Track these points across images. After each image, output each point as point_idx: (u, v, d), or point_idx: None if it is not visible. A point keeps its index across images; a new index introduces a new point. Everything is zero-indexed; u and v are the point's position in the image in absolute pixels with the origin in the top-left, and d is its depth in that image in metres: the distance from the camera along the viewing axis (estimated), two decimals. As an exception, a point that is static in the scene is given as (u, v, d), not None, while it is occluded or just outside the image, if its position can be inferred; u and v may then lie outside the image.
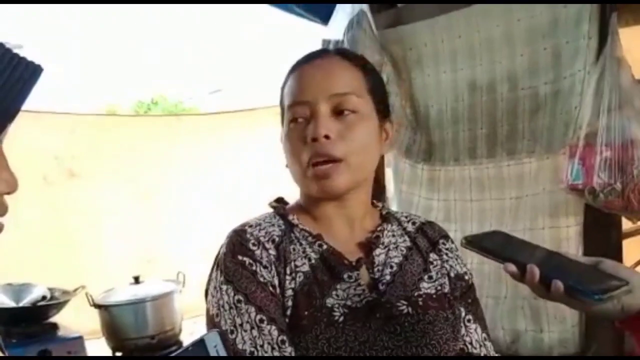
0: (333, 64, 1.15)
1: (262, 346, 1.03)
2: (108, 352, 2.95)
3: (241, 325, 1.04)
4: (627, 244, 2.13)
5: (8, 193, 0.74)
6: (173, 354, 0.70)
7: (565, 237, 2.05)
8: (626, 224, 2.10)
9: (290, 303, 1.07)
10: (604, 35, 1.91)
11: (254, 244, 1.10)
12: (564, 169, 1.97)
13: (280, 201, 1.26)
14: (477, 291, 1.26)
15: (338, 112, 1.11)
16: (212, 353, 0.67)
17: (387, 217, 1.24)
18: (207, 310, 1.11)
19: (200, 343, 0.69)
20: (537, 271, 0.91)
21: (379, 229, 1.20)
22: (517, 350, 2.17)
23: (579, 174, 1.91)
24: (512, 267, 0.93)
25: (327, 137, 1.08)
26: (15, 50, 0.71)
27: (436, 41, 2.34)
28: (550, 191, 2.09)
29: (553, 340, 2.10)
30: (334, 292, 1.09)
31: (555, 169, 2.07)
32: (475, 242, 1.03)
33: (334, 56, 1.17)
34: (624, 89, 1.85)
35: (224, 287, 1.07)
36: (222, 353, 0.66)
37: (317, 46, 2.48)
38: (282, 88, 1.19)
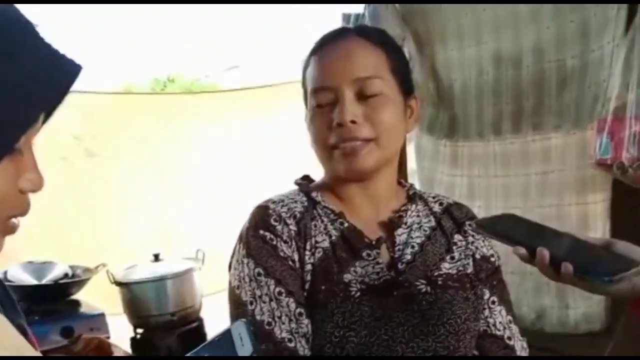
0: (354, 46, 1.14)
1: (279, 317, 1.07)
2: (129, 329, 2.97)
3: (260, 297, 1.08)
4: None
5: (32, 191, 0.74)
6: (201, 346, 0.69)
7: (593, 213, 2.03)
8: (654, 200, 2.06)
9: (308, 277, 1.10)
10: (634, 6, 1.87)
11: (275, 220, 1.12)
12: (592, 143, 1.94)
13: (305, 179, 1.27)
14: (502, 267, 1.25)
15: (362, 95, 1.11)
16: (237, 342, 0.67)
17: (412, 197, 1.24)
18: (229, 282, 1.14)
19: (227, 333, 0.69)
20: (546, 254, 0.91)
21: (403, 209, 1.20)
22: (542, 327, 2.16)
23: (607, 149, 1.88)
24: (522, 251, 0.93)
25: (353, 122, 1.09)
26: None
27: (460, 15, 2.30)
28: (577, 167, 2.06)
29: (578, 317, 2.09)
30: (352, 269, 1.11)
31: (582, 144, 2.04)
32: (486, 226, 1.04)
33: (355, 37, 1.16)
34: (654, 62, 1.81)
35: (245, 260, 1.11)
36: (246, 342, 0.66)
37: (337, 20, 2.44)
38: (304, 70, 1.19)
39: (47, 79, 0.69)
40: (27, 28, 0.70)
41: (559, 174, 2.11)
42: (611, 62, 1.92)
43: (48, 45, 0.71)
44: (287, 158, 3.89)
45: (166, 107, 4.63)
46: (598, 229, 1.98)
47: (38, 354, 0.65)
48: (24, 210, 0.75)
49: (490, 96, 2.28)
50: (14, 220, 0.75)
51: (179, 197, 4.40)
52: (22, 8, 0.72)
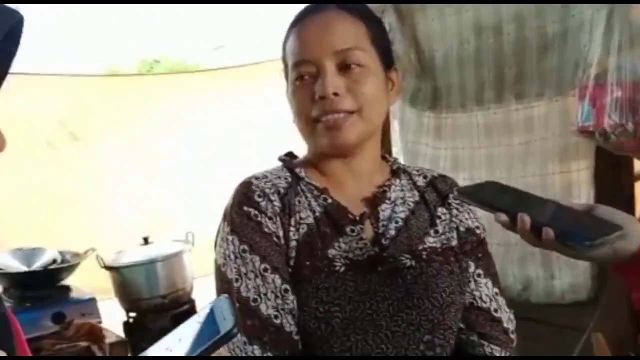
0: (334, 18, 1.13)
1: (265, 294, 1.07)
2: (121, 313, 2.98)
3: (246, 274, 1.08)
4: (639, 186, 2.10)
5: None
6: (183, 323, 0.69)
7: (576, 181, 2.03)
8: (638, 166, 2.06)
9: (293, 254, 1.10)
10: (614, -30, 1.85)
11: (259, 196, 1.12)
12: (574, 111, 1.92)
13: (289, 155, 1.26)
14: (487, 238, 1.25)
15: (344, 67, 1.10)
16: (219, 317, 0.67)
17: (396, 172, 1.23)
18: (215, 261, 1.14)
19: (209, 309, 0.69)
20: (527, 219, 0.91)
21: (386, 183, 1.20)
22: (528, 298, 2.17)
23: (589, 115, 1.87)
24: (503, 217, 0.93)
25: (335, 94, 1.08)
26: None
27: (439, -17, 2.27)
28: (560, 135, 2.05)
29: (564, 286, 2.10)
30: (336, 244, 1.11)
31: (565, 112, 2.04)
32: (467, 193, 1.05)
33: (334, 9, 1.14)
34: (635, 26, 1.80)
35: (230, 237, 1.10)
36: (228, 316, 0.66)
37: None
38: (284, 44, 1.18)
39: None
40: None
41: (542, 142, 2.10)
42: (591, 27, 1.91)
43: None
44: (273, 136, 3.87)
45: (151, 89, 4.60)
46: (582, 197, 1.98)
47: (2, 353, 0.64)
48: None
49: (472, 66, 2.26)
50: None
51: (167, 180, 4.39)
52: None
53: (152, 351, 0.67)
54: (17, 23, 0.73)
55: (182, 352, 0.64)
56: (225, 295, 0.71)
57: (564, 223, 0.92)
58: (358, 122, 1.10)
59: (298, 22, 1.16)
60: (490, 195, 1.01)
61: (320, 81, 1.09)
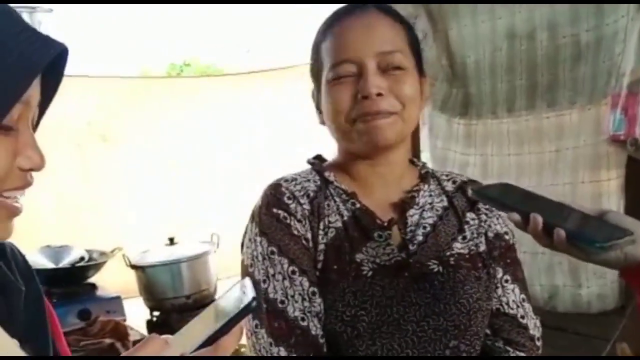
0: (377, 19, 1.13)
1: (292, 296, 1.07)
2: (145, 312, 3.00)
3: (273, 275, 1.08)
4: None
5: (32, 170, 0.76)
6: (214, 301, 0.76)
7: (606, 191, 2.00)
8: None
9: (321, 257, 1.10)
10: (650, -21, 1.83)
11: (289, 198, 1.12)
12: (606, 119, 1.90)
13: (318, 158, 1.26)
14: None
15: (385, 69, 1.10)
16: (240, 293, 0.72)
17: (425, 177, 1.22)
18: (242, 261, 1.14)
19: (233, 287, 0.74)
20: (539, 220, 0.92)
21: (415, 188, 1.19)
22: (555, 306, 2.14)
23: (621, 124, 1.85)
24: (516, 217, 0.95)
25: (379, 94, 1.08)
26: (44, 15, 0.72)
27: (474, -12, 2.26)
28: (591, 143, 2.02)
29: (591, 296, 2.07)
30: (363, 249, 1.10)
31: (596, 120, 2.01)
32: (483, 193, 1.07)
33: (375, 11, 1.15)
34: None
35: (259, 238, 1.10)
36: (249, 291, 0.71)
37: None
38: (318, 44, 1.18)
39: (27, 51, 0.70)
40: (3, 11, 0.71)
41: (573, 151, 2.07)
42: (625, 36, 1.89)
43: (25, 25, 0.72)
44: (300, 139, 3.88)
45: (179, 91, 4.64)
46: (612, 206, 1.95)
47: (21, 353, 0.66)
48: (24, 184, 0.76)
49: (504, 72, 2.25)
50: (13, 199, 0.76)
51: (193, 181, 4.41)
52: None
53: (183, 330, 0.72)
54: (61, 53, 0.75)
55: (207, 328, 0.68)
56: (248, 277, 0.74)
57: (576, 225, 0.93)
58: (398, 123, 1.10)
59: (336, 22, 1.15)
60: (505, 195, 1.02)
61: (363, 81, 1.08)
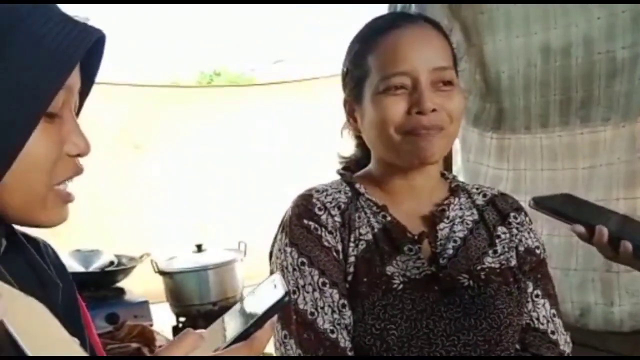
0: (429, 33, 1.14)
1: (322, 308, 1.07)
2: (172, 317, 3.02)
3: (304, 286, 1.08)
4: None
5: (79, 155, 0.79)
6: (247, 294, 0.76)
7: (642, 208, 1.97)
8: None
9: (351, 269, 1.10)
10: (688, -5, 1.81)
11: (320, 209, 1.12)
12: (640, 137, 1.89)
13: (347, 169, 1.25)
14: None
15: (437, 84, 1.10)
16: (272, 287, 0.72)
17: (455, 190, 1.22)
18: (271, 271, 1.15)
19: (265, 281, 0.75)
20: (605, 232, 0.92)
21: (445, 202, 1.19)
22: (586, 324, 2.11)
23: (655, 142, 1.83)
24: (580, 228, 0.96)
25: (433, 110, 1.08)
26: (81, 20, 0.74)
27: (509, 5, 2.25)
28: (625, 161, 2.00)
29: (624, 314, 2.04)
30: (394, 262, 1.11)
31: (631, 137, 1.99)
32: (544, 204, 1.05)
33: (427, 24, 1.15)
34: None
35: (289, 249, 1.10)
36: (279, 286, 0.71)
37: (382, 11, 2.41)
38: (364, 52, 1.16)
39: (67, 39, 0.72)
40: None
41: (607, 167, 2.05)
42: (662, 53, 1.87)
43: (63, 15, 0.74)
44: (327, 150, 3.88)
45: (210, 100, 4.68)
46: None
47: (82, 352, 0.66)
48: (75, 171, 0.79)
49: (538, 88, 2.23)
50: (65, 186, 0.79)
51: (222, 189, 4.44)
52: (73, 6, 0.75)
53: (214, 325, 0.73)
54: (99, 40, 0.78)
55: (239, 323, 0.69)
56: (279, 272, 0.74)
57: None
58: (445, 138, 1.11)
59: (387, 31, 1.14)
60: (567, 207, 1.02)
61: (419, 96, 1.08)
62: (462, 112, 1.16)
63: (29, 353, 0.53)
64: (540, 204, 1.06)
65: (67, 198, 0.80)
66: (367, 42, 1.17)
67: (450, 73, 1.12)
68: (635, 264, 0.93)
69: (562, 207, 1.02)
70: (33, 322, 0.60)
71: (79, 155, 0.79)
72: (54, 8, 0.75)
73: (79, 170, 0.80)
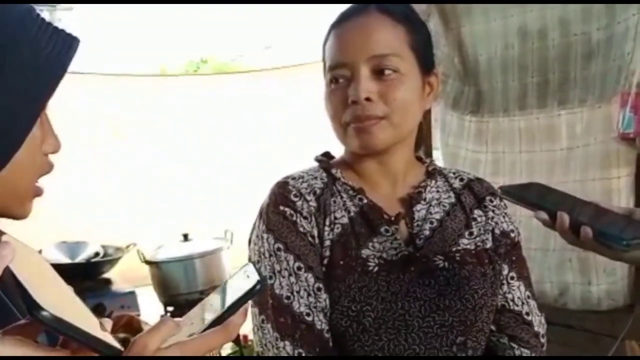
0: (373, 22, 1.13)
1: (298, 292, 1.08)
2: (159, 307, 3.03)
3: (280, 271, 1.09)
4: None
5: (53, 153, 0.83)
6: (220, 285, 0.78)
7: (617, 188, 2.00)
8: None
9: (327, 253, 1.11)
10: (661, -23, 1.82)
11: (295, 195, 1.13)
12: (615, 117, 1.90)
13: (326, 155, 1.27)
14: (525, 244, 1.25)
15: (378, 72, 1.10)
16: (244, 277, 0.74)
17: (432, 173, 1.22)
18: (249, 258, 1.16)
19: (238, 272, 0.77)
20: (566, 218, 0.94)
21: (422, 184, 1.19)
22: (565, 303, 2.14)
23: (630, 123, 1.85)
24: (543, 215, 0.97)
25: (368, 99, 1.08)
26: (64, 13, 0.76)
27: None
28: (601, 141, 2.02)
29: (601, 293, 2.07)
30: (370, 244, 1.11)
31: (607, 118, 2.00)
32: (511, 192, 1.08)
33: (375, 13, 1.14)
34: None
35: (265, 235, 1.12)
36: (252, 275, 0.73)
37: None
38: (324, 45, 1.19)
39: (56, 51, 0.76)
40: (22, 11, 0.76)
41: (583, 149, 2.07)
42: (636, 34, 1.88)
43: (46, 24, 0.77)
44: (315, 136, 3.89)
45: (196, 88, 4.67)
46: (622, 204, 1.94)
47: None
48: (50, 168, 0.83)
49: (516, 70, 2.24)
50: (39, 183, 0.83)
51: (208, 178, 4.44)
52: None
53: (190, 313, 0.75)
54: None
55: (214, 310, 0.72)
56: (252, 262, 0.75)
57: (602, 223, 0.94)
58: (387, 128, 1.10)
59: (338, 24, 1.16)
60: (533, 195, 1.04)
61: (354, 85, 1.09)
62: (415, 99, 1.14)
63: (36, 298, 0.56)
64: (508, 192, 1.09)
65: (39, 193, 0.83)
66: (326, 35, 1.19)
67: (392, 60, 1.10)
68: (596, 249, 0.95)
69: (527, 194, 1.05)
70: (38, 273, 0.63)
71: (53, 152, 0.83)
72: (36, 14, 0.78)
73: (52, 167, 0.84)
